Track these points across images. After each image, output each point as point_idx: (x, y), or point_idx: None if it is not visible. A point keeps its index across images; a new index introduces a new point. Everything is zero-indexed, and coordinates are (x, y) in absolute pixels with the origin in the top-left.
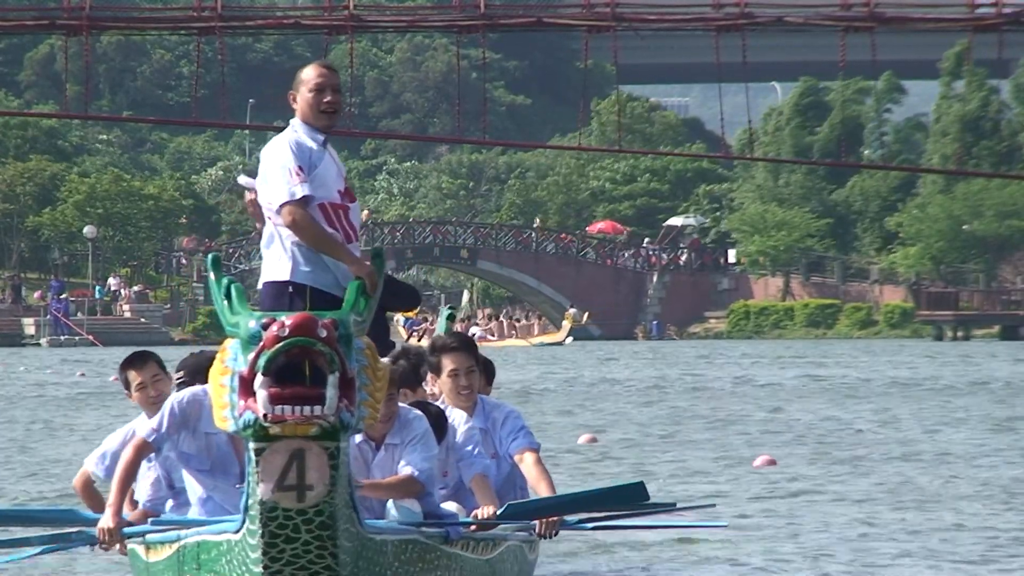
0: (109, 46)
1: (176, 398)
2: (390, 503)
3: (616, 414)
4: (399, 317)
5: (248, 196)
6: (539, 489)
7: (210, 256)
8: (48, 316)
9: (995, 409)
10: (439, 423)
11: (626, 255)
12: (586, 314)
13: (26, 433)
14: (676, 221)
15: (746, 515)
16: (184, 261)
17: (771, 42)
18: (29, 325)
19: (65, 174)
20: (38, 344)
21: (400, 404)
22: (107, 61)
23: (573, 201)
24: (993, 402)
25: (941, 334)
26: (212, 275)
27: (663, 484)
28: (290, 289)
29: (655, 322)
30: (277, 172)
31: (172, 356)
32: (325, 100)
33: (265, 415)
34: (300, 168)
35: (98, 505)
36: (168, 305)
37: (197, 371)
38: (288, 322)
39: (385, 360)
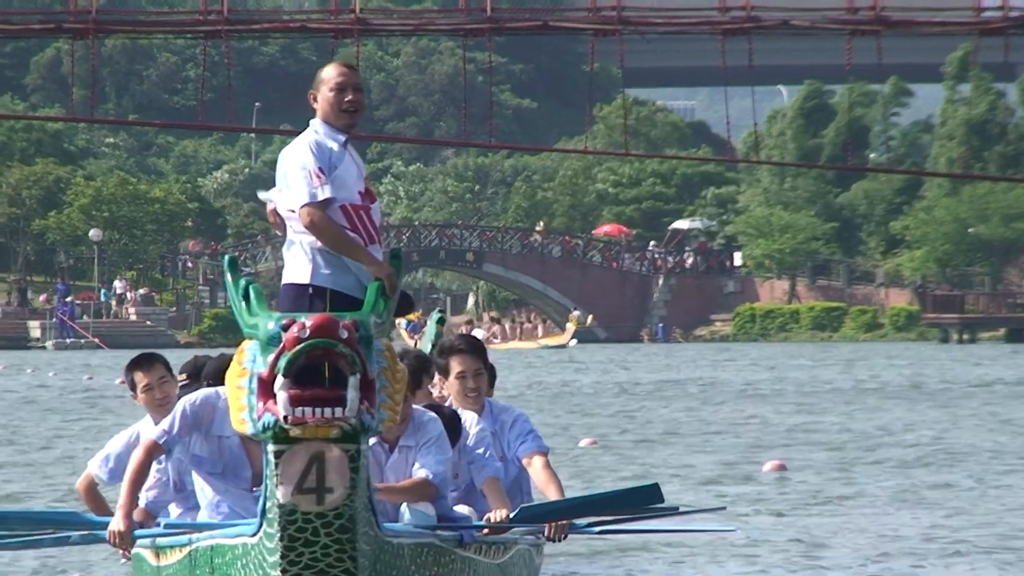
0: (115, 50)
1: (188, 400)
2: (404, 506)
3: (619, 417)
4: (401, 320)
5: (269, 207)
6: (548, 493)
7: (227, 257)
8: (54, 319)
9: (1005, 411)
10: (453, 425)
11: (632, 258)
12: (590, 316)
13: (34, 436)
14: (682, 224)
15: (755, 519)
16: (190, 264)
17: (777, 46)
18: (35, 328)
19: (71, 177)
20: (44, 347)
21: (414, 406)
22: (113, 65)
23: (579, 204)
24: (1000, 403)
25: (947, 337)
26: (229, 276)
27: (669, 488)
28: (310, 291)
29: (661, 325)
30: (297, 174)
31: (178, 359)
32: (346, 99)
33: (285, 417)
34: (321, 170)
35: (101, 508)
36: (174, 308)
37: (201, 373)
38: (309, 323)
39: None
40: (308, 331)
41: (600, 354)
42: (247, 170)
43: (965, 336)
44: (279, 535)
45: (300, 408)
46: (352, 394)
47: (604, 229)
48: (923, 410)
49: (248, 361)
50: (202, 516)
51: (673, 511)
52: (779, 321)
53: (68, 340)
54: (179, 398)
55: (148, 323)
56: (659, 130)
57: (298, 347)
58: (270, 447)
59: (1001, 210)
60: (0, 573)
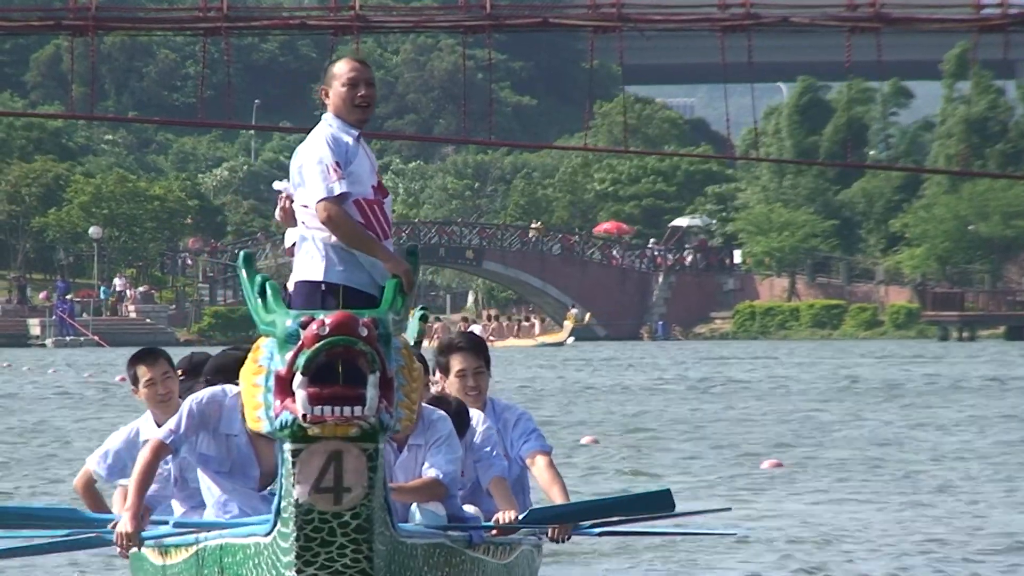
0: (114, 47)
1: (194, 399)
2: (414, 506)
3: (618, 414)
4: None
5: (282, 197)
6: (552, 493)
7: (242, 253)
8: (53, 317)
9: (1004, 408)
10: (461, 417)
11: (631, 255)
12: (587, 314)
13: (33, 434)
14: (682, 222)
15: (752, 518)
16: (189, 262)
17: (777, 43)
18: (34, 326)
19: (70, 175)
20: (43, 345)
21: (423, 405)
22: (112, 62)
23: (579, 201)
24: (1001, 401)
25: (947, 335)
26: (245, 273)
27: (668, 484)
28: (323, 288)
29: (660, 323)
30: (314, 168)
31: (177, 357)
32: (359, 94)
33: (304, 415)
34: (338, 164)
35: (98, 505)
36: (173, 305)
37: (196, 370)
38: (328, 320)
39: None
40: (328, 328)
41: (598, 352)
42: (247, 167)
43: (965, 334)
44: (295, 535)
45: (319, 407)
46: (372, 393)
47: (604, 227)
48: (923, 408)
49: (264, 358)
50: (208, 515)
51: (680, 515)
52: (779, 319)
53: (68, 338)
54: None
55: (148, 321)
56: (658, 128)
57: (318, 345)
58: (287, 446)
59: (1001, 208)
60: None
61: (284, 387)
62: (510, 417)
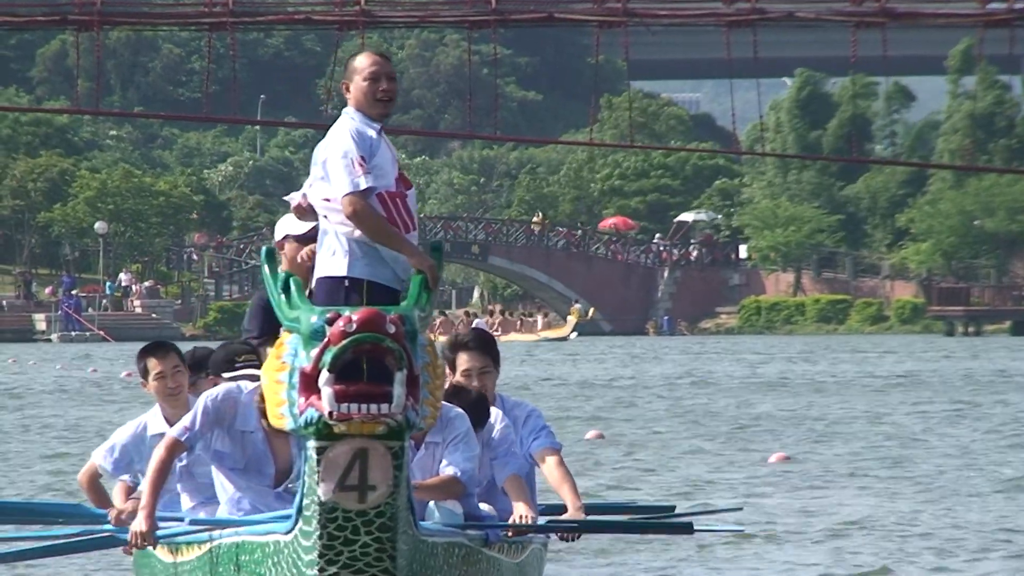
0: (119, 42)
1: (209, 395)
2: (432, 504)
3: (623, 409)
4: None
5: (293, 204)
6: (562, 492)
7: (264, 249)
8: (59, 312)
9: (1012, 402)
10: (480, 407)
11: (637, 250)
12: (591, 309)
13: (40, 428)
14: (687, 216)
15: (761, 513)
16: (195, 257)
17: (782, 38)
18: (40, 321)
19: (76, 170)
20: (49, 340)
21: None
22: (117, 57)
23: (585, 196)
24: (1007, 395)
25: (952, 330)
26: (267, 269)
27: (673, 481)
28: (346, 283)
29: (666, 317)
30: (339, 163)
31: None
32: (381, 88)
33: (331, 413)
34: (363, 158)
35: (102, 500)
36: (179, 301)
37: (198, 365)
38: (356, 317)
39: None
40: (355, 325)
41: (602, 346)
42: (252, 162)
43: (970, 329)
44: (318, 533)
45: (345, 404)
46: (399, 390)
47: (609, 222)
48: (930, 402)
49: (288, 355)
50: (222, 512)
51: (689, 524)
52: (784, 314)
53: (73, 333)
54: None
55: (153, 316)
56: (664, 123)
57: (345, 341)
58: (312, 443)
59: (1007, 203)
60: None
61: (309, 384)
62: (519, 414)
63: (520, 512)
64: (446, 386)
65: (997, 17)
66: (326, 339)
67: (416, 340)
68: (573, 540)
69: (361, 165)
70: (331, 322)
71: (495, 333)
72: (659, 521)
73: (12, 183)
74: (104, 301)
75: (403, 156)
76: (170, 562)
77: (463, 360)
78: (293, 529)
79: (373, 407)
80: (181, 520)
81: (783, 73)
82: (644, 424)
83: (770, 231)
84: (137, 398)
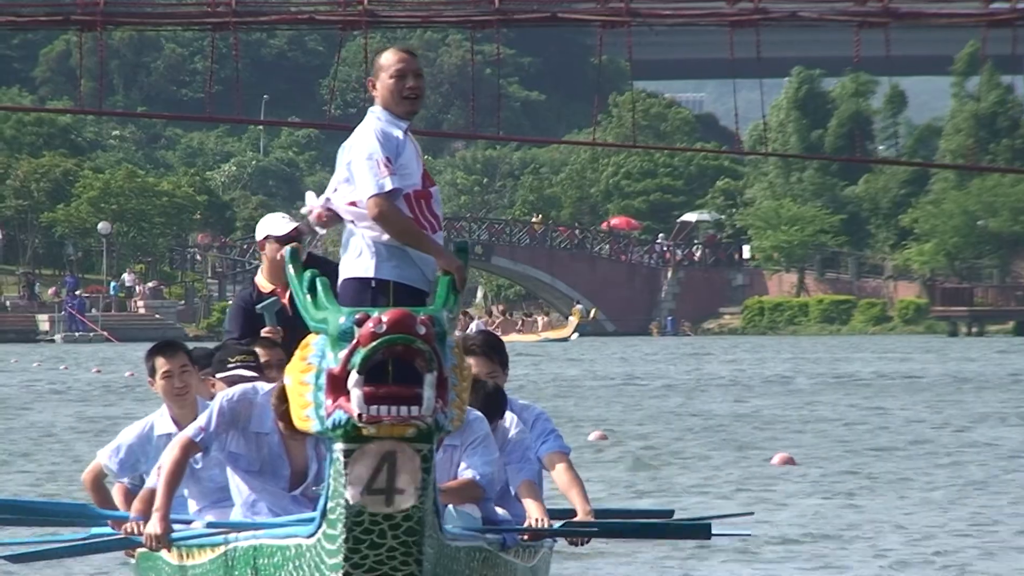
0: (122, 42)
1: (225, 396)
2: (450, 507)
3: (627, 410)
4: None
5: (313, 217)
6: (571, 496)
7: (288, 249)
8: (63, 312)
9: (1016, 403)
10: (496, 401)
11: (640, 251)
12: (593, 310)
13: (44, 429)
14: (691, 217)
15: (765, 514)
16: (199, 257)
17: (786, 38)
18: (43, 321)
19: (79, 170)
20: (52, 340)
21: None
22: (120, 57)
23: (587, 196)
24: (1012, 396)
25: (955, 330)
26: (291, 268)
27: (677, 482)
28: (373, 284)
29: (669, 318)
30: (363, 164)
31: None
32: (408, 86)
33: (360, 415)
34: (388, 159)
35: (106, 501)
36: (183, 301)
37: (198, 364)
38: (385, 318)
39: None
40: (385, 326)
41: (604, 347)
42: (255, 162)
43: (974, 329)
44: (343, 536)
45: (375, 406)
46: (428, 392)
47: (612, 222)
48: (931, 402)
49: (314, 356)
50: (236, 514)
51: (701, 528)
52: (788, 314)
53: (77, 333)
54: None
55: (157, 316)
56: (669, 123)
57: (375, 343)
58: (339, 446)
59: (1010, 203)
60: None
61: (337, 386)
62: (528, 417)
63: (536, 516)
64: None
65: (1000, 17)
66: (355, 340)
67: (445, 341)
68: (582, 545)
69: (386, 166)
70: (360, 323)
71: (497, 334)
72: (678, 524)
73: (15, 183)
74: (108, 301)
75: None
76: (178, 565)
77: (471, 364)
78: (316, 532)
79: (403, 409)
80: (188, 523)
81: (786, 73)
82: (646, 424)
83: (773, 231)
84: (133, 398)
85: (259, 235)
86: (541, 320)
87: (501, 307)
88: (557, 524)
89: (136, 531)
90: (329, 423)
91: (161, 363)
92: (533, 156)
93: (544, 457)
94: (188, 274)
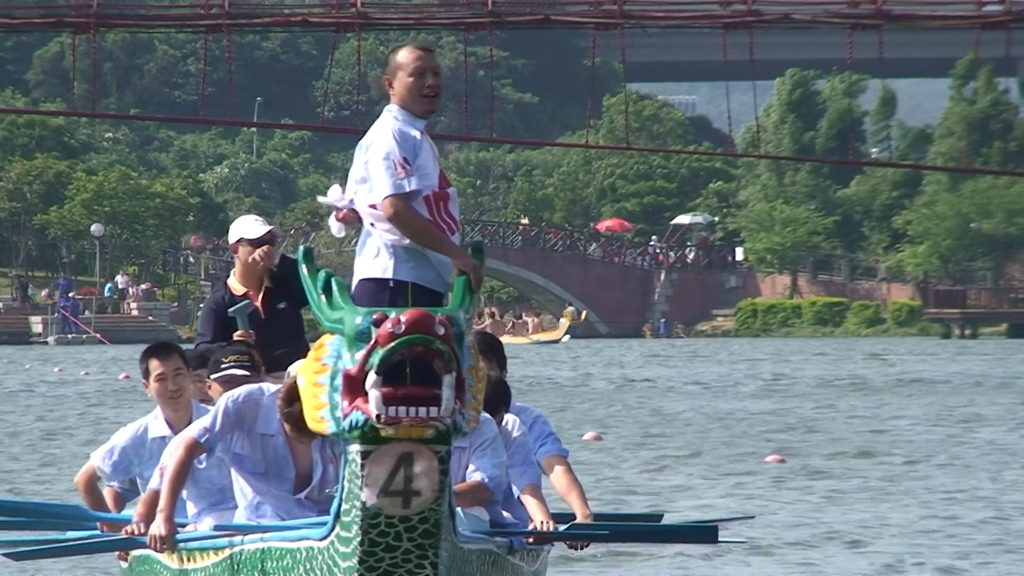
0: (115, 44)
1: (231, 396)
2: (459, 510)
3: (622, 411)
4: None
5: (337, 214)
6: (569, 499)
7: (301, 248)
8: (56, 314)
9: (1011, 406)
10: (501, 393)
11: (633, 253)
12: (583, 312)
13: (38, 431)
14: (684, 219)
15: (757, 513)
16: (192, 259)
17: (779, 40)
18: (36, 323)
19: (72, 172)
20: (45, 342)
21: None
22: (113, 59)
23: (580, 198)
24: (1007, 398)
25: (949, 332)
26: (305, 268)
27: (674, 482)
28: (391, 285)
29: (663, 320)
30: (380, 164)
31: None
32: (427, 84)
33: (378, 416)
34: (405, 160)
35: (98, 503)
36: (176, 303)
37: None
38: (404, 318)
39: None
40: (404, 327)
41: (595, 349)
42: (248, 164)
43: (967, 331)
44: (359, 539)
45: (394, 407)
46: (447, 393)
47: (605, 224)
48: (925, 404)
49: (329, 357)
50: (239, 516)
51: (719, 543)
52: (781, 316)
53: (70, 335)
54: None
55: (150, 318)
56: (662, 125)
57: (393, 343)
58: (355, 447)
59: (1003, 205)
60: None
61: (355, 387)
62: (526, 419)
63: (541, 519)
64: None
65: (993, 19)
66: (373, 341)
67: (463, 342)
68: (581, 549)
69: (403, 167)
70: (378, 323)
71: None
72: (685, 526)
73: (8, 185)
74: (101, 303)
75: None
76: (178, 569)
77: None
78: (329, 535)
79: (422, 410)
80: (184, 526)
81: (779, 75)
82: (640, 425)
83: (766, 233)
84: (126, 400)
85: (232, 238)
86: (531, 322)
87: (493, 309)
88: (563, 528)
89: (139, 532)
90: (346, 424)
91: (155, 365)
92: (526, 158)
93: (542, 460)
94: (181, 276)
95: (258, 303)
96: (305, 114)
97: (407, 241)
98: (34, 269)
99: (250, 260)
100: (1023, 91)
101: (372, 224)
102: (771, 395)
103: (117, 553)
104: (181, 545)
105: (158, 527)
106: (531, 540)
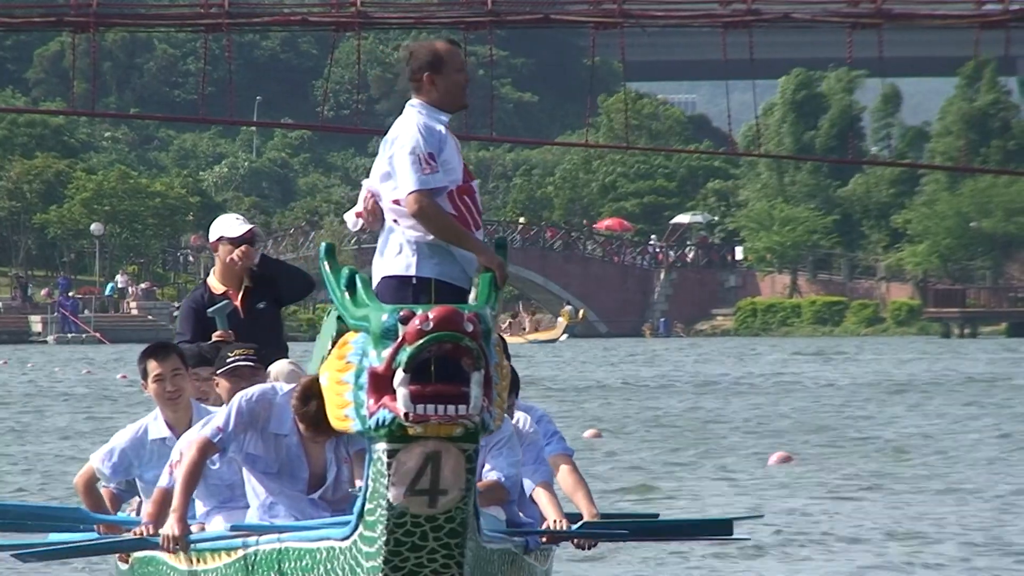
0: (115, 43)
1: (243, 396)
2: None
3: (621, 410)
4: None
5: (367, 200)
6: (575, 498)
7: (323, 245)
8: (55, 313)
9: (1013, 405)
10: (513, 378)
11: (633, 252)
12: (581, 311)
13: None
14: (683, 218)
15: (763, 513)
16: (191, 258)
17: (778, 39)
18: (36, 322)
19: (72, 171)
20: (45, 341)
21: None
22: (113, 58)
23: (580, 197)
24: (1007, 398)
25: (948, 331)
26: (327, 265)
27: (675, 483)
28: (414, 282)
29: (662, 320)
30: (406, 159)
31: None
32: (467, 80)
33: (407, 414)
34: (431, 155)
35: (98, 505)
36: (175, 302)
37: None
38: (432, 315)
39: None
40: (432, 324)
41: (594, 349)
42: (248, 164)
43: (966, 330)
44: (384, 539)
45: (422, 405)
46: (476, 391)
47: (605, 223)
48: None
49: (354, 355)
50: (251, 516)
51: (732, 540)
52: (780, 315)
53: (69, 335)
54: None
55: (150, 317)
56: (661, 124)
57: (422, 340)
58: (382, 445)
59: (1003, 204)
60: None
61: (382, 384)
62: (531, 418)
63: (554, 518)
64: None
65: (992, 19)
66: (400, 338)
67: (490, 339)
68: (589, 548)
69: (428, 163)
70: (405, 320)
71: None
72: (701, 522)
73: (8, 184)
74: (101, 302)
75: None
76: (187, 570)
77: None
78: (352, 535)
79: (451, 408)
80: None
81: (779, 74)
82: (640, 423)
83: (766, 233)
84: (123, 400)
85: (213, 236)
86: (528, 321)
87: None
88: (576, 526)
89: (150, 533)
90: (372, 422)
91: (153, 366)
92: (526, 158)
93: (548, 459)
94: (181, 275)
95: (238, 302)
96: (305, 113)
97: (430, 237)
98: (34, 268)
99: (228, 260)
100: (1023, 90)
101: (395, 220)
102: (771, 395)
103: (118, 556)
104: (194, 546)
105: (171, 527)
106: (545, 539)
